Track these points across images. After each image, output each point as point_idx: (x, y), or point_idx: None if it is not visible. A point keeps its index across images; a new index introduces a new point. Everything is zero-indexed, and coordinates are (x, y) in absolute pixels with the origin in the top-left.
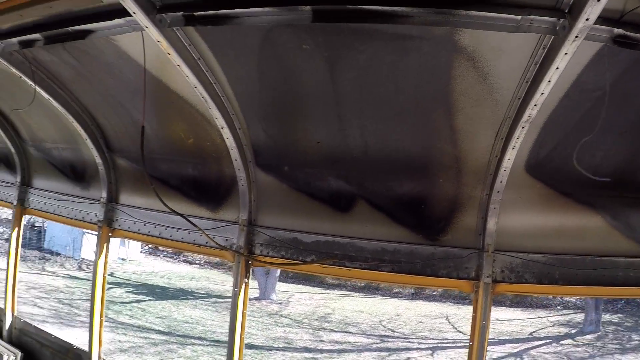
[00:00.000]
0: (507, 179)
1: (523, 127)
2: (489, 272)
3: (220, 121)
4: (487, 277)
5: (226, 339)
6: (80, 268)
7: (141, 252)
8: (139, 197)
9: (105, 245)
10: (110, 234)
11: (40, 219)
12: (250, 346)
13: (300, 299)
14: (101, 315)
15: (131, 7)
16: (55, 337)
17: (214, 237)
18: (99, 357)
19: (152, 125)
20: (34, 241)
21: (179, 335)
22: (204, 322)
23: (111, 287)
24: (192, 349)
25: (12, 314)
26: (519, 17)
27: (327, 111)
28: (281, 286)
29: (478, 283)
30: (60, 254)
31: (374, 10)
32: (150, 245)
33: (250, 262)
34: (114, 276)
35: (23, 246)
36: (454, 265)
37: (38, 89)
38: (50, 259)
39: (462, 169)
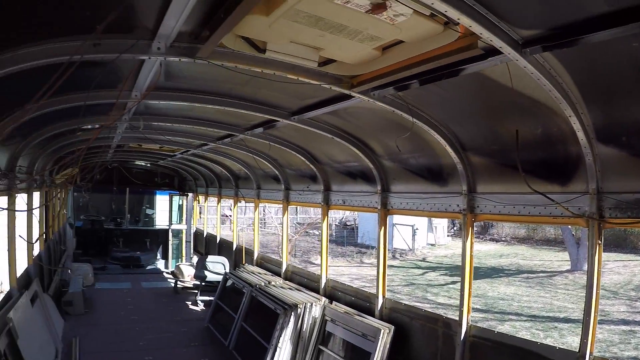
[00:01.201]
0: None
1: None
2: None
3: (568, 111)
4: None
5: (542, 314)
6: (394, 257)
7: (448, 235)
8: (495, 185)
9: (470, 229)
10: (473, 219)
11: (351, 219)
12: (566, 320)
13: (613, 268)
14: (469, 288)
15: (507, 50)
16: (425, 310)
17: (567, 208)
18: (467, 323)
19: (504, 124)
20: (349, 238)
21: (496, 312)
22: (519, 298)
23: (426, 272)
24: (510, 324)
25: (383, 297)
26: None
27: None
28: None
29: None
30: (374, 247)
31: None
32: (455, 228)
33: (602, 225)
34: (427, 261)
35: (341, 244)
36: None
37: (404, 115)
38: (365, 252)
39: None
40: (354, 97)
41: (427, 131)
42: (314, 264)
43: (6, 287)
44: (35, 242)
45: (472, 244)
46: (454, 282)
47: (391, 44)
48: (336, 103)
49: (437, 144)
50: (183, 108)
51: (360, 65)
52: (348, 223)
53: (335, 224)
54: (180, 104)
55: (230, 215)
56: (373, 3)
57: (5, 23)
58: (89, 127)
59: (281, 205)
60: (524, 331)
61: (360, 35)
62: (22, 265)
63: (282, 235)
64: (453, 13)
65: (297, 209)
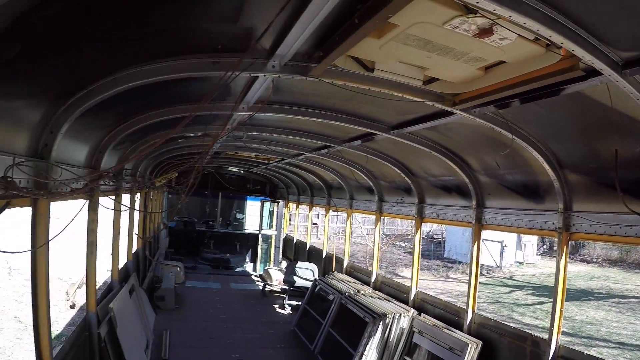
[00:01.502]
0: None
1: None
2: None
3: None
4: None
5: (631, 341)
6: (480, 273)
7: (537, 254)
8: (590, 203)
9: (565, 247)
10: (568, 238)
11: (439, 233)
12: None
13: None
14: (561, 307)
15: (607, 71)
16: (514, 328)
17: None
18: (557, 343)
19: (602, 142)
20: (435, 252)
21: (583, 337)
22: (608, 324)
23: (512, 291)
24: (596, 350)
25: (473, 312)
26: None
27: None
28: None
29: None
30: (461, 262)
31: None
32: (545, 247)
33: None
34: (514, 279)
35: (427, 257)
36: None
37: (503, 132)
38: (452, 267)
39: None
40: (455, 113)
41: (524, 148)
42: (399, 275)
43: (100, 279)
44: (148, 239)
45: (566, 262)
46: (541, 303)
47: (494, 64)
48: (436, 119)
49: (534, 161)
50: (283, 119)
51: (463, 84)
52: (435, 236)
53: (422, 237)
54: (282, 116)
55: (318, 224)
56: (480, 28)
57: (136, 42)
58: (191, 135)
59: (369, 216)
60: (610, 359)
61: (465, 57)
62: (122, 260)
63: (374, 246)
64: (557, 38)
65: (384, 220)
